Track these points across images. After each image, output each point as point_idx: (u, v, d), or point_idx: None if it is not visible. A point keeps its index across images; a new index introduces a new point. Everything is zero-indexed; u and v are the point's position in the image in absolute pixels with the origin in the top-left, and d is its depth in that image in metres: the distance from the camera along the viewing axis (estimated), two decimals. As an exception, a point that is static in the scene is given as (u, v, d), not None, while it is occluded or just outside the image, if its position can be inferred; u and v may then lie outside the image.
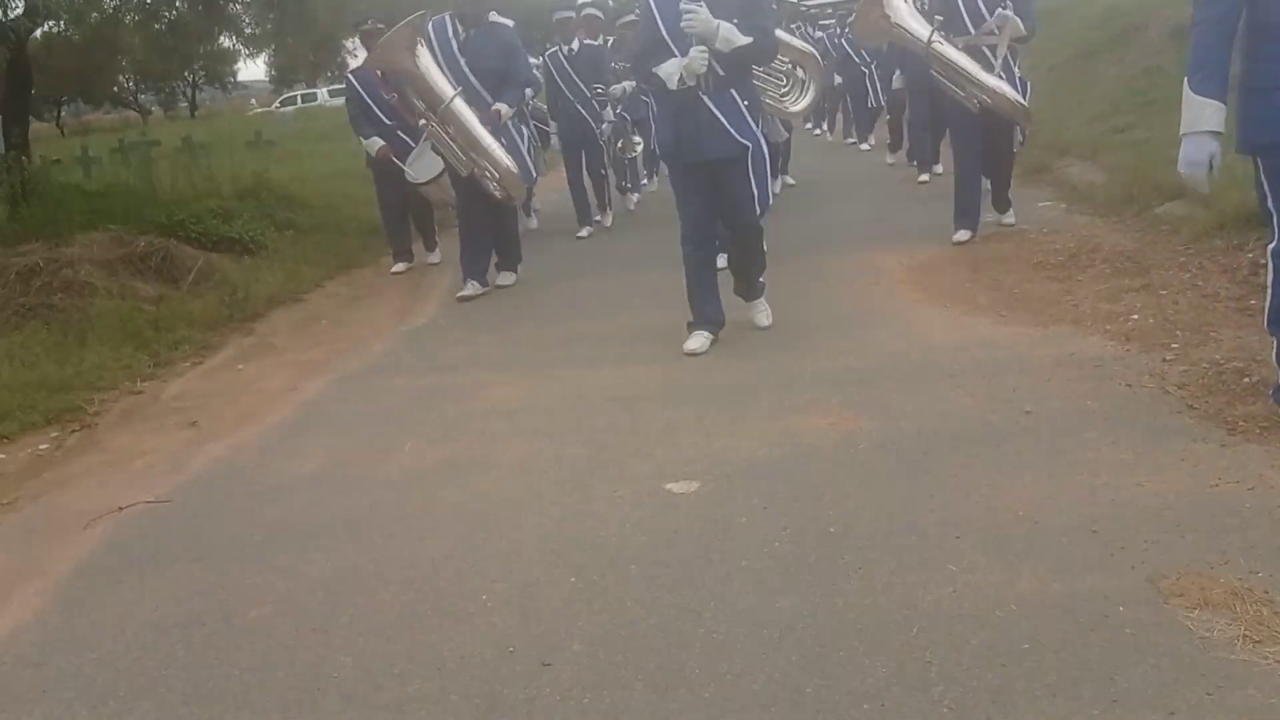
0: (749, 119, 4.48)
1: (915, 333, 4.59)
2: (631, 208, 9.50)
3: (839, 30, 12.96)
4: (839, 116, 14.59)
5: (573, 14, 8.25)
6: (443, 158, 6.20)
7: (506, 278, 6.68)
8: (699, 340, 4.67)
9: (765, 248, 4.98)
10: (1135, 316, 4.40)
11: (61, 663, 2.55)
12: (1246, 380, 3.51)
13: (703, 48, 4.23)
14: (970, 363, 4.06)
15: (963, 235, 6.31)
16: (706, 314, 4.75)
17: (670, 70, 4.34)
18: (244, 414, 4.41)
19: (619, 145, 8.92)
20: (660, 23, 4.38)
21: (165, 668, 2.47)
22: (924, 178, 9.22)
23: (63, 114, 39.57)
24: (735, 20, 4.24)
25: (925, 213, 7.43)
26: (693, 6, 4.19)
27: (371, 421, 4.18)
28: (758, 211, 4.61)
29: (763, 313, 4.95)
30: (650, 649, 2.32)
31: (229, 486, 3.62)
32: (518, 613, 2.54)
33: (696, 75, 4.30)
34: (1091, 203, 6.98)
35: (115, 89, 39.95)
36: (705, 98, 4.38)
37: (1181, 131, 3.10)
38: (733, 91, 4.43)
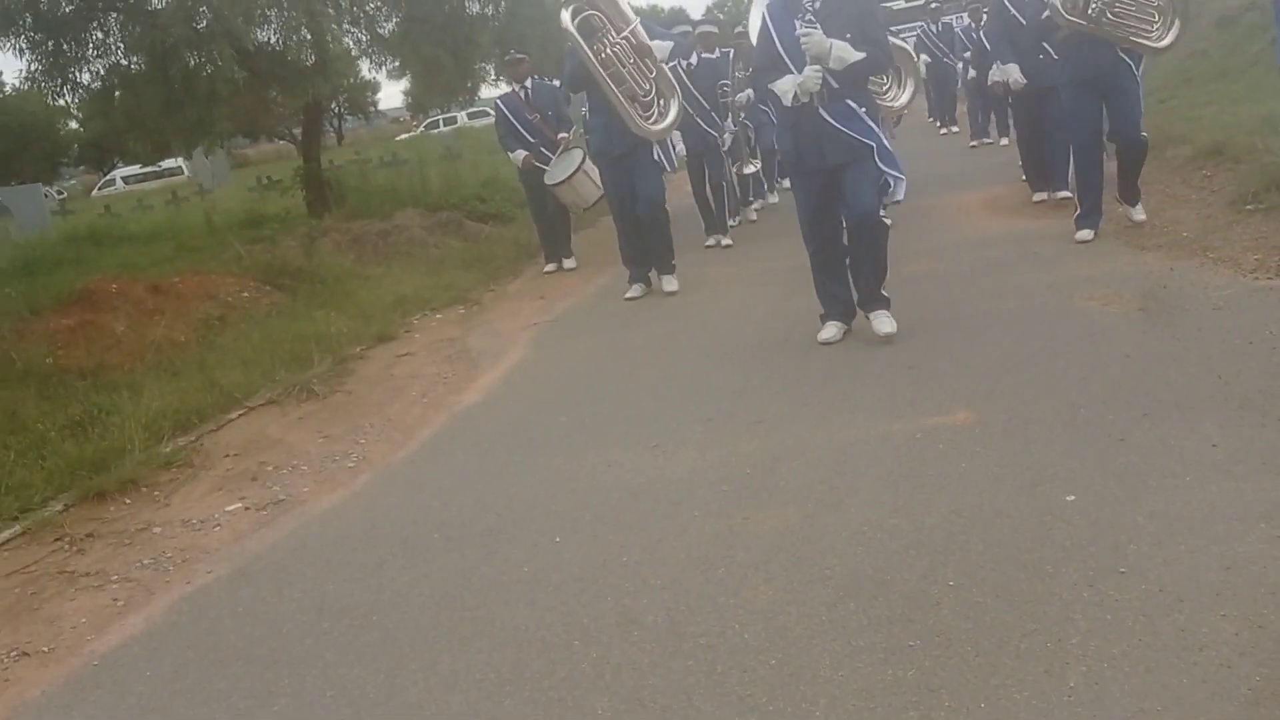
0: (867, 121, 4.61)
1: (977, 227, 7.31)
2: (753, 218, 9.64)
3: (932, 26, 14.04)
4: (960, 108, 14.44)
5: (689, 29, 8.54)
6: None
7: (669, 283, 6.83)
8: (832, 330, 4.95)
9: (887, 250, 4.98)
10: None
11: (553, 359, 5.59)
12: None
13: (817, 67, 4.43)
14: (1006, 237, 6.78)
15: (1086, 234, 6.16)
16: (837, 306, 5.01)
17: (785, 88, 4.54)
18: (566, 293, 7.48)
19: (735, 166, 8.87)
20: (776, 40, 4.57)
21: (603, 352, 5.49)
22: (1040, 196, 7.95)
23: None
24: (849, 35, 4.42)
25: (997, 169, 10.06)
26: (808, 29, 4.40)
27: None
28: (880, 200, 4.70)
29: (886, 320, 4.83)
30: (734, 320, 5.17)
31: (583, 315, 6.72)
32: (734, 325, 5.46)
33: (811, 93, 4.51)
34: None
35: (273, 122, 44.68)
36: (822, 111, 4.55)
37: None
38: (848, 101, 4.56)
